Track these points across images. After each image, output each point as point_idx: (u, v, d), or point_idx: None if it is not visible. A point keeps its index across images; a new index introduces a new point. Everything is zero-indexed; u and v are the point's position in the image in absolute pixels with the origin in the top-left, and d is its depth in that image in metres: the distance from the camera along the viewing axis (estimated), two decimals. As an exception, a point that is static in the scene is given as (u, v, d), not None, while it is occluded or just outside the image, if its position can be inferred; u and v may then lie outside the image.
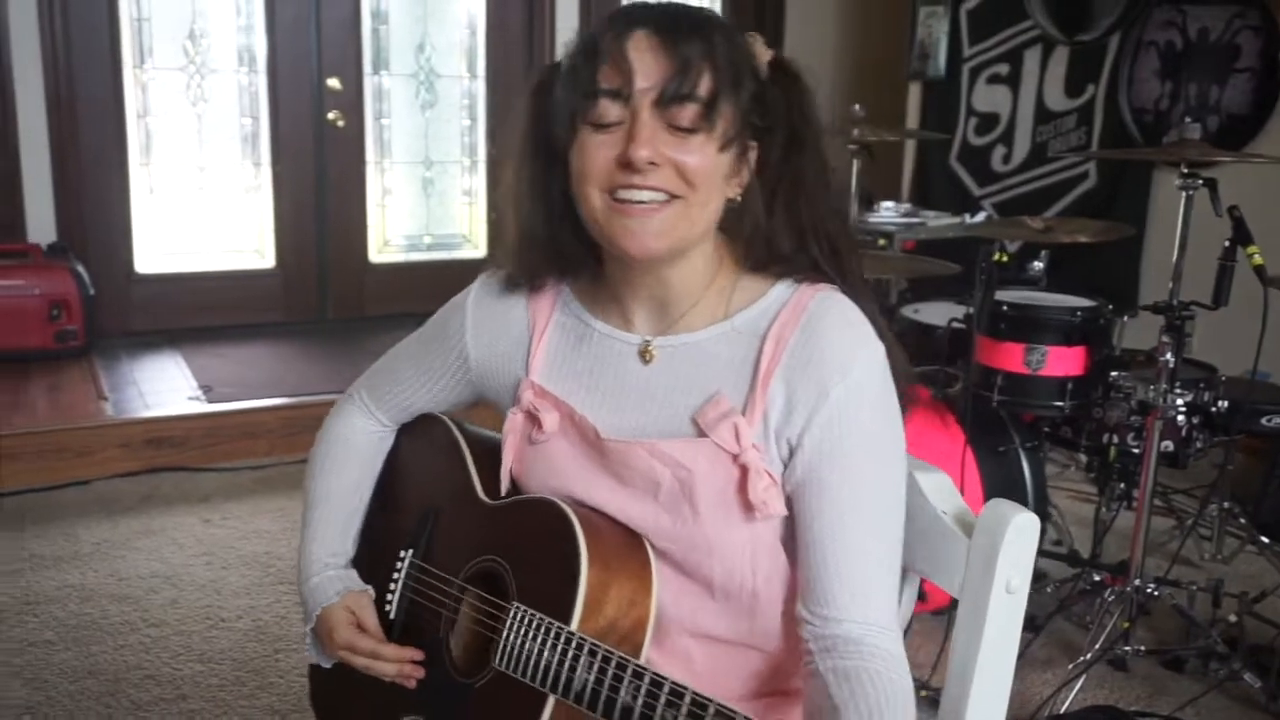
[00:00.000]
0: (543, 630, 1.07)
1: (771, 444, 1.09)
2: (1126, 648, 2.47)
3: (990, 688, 1.09)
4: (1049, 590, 2.79)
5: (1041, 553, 2.83)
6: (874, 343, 1.10)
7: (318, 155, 4.67)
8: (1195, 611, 2.61)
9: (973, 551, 1.08)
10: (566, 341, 1.21)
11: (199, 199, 4.56)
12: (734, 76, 1.07)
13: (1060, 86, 4.31)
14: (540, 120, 1.13)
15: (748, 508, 1.09)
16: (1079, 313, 2.45)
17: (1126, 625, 2.47)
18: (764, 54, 1.12)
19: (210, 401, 3.74)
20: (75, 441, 3.44)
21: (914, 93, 4.86)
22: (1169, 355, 2.36)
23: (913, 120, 4.84)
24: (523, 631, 1.10)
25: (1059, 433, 2.71)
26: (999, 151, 4.53)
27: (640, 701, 0.99)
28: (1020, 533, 1.05)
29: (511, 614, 1.12)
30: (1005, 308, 2.46)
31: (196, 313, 4.56)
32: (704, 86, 1.04)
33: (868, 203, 3.95)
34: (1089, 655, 2.42)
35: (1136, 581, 2.50)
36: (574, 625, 1.06)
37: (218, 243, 4.63)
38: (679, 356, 1.14)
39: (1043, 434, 2.74)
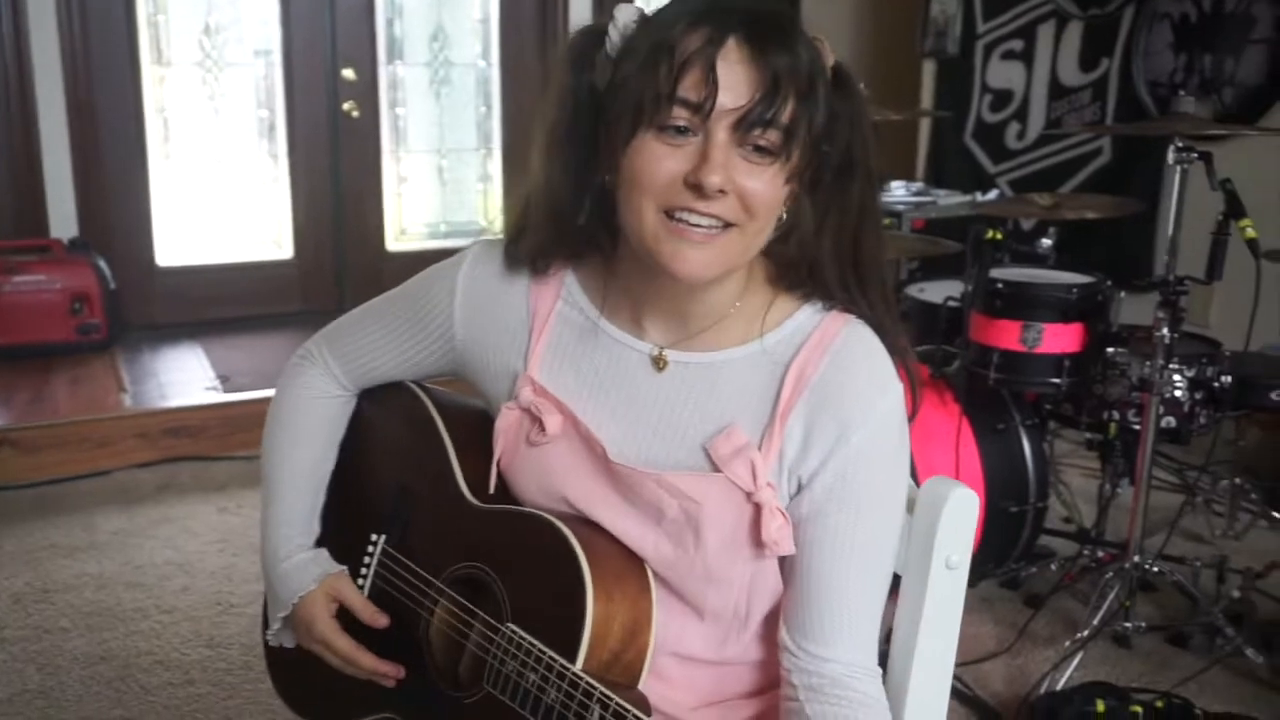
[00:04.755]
0: (543, 666, 1.02)
1: (784, 479, 1.06)
2: (1128, 624, 2.47)
3: (933, 663, 1.09)
4: (1053, 568, 2.78)
5: (1048, 530, 2.83)
6: (896, 385, 1.06)
7: (333, 146, 4.70)
8: (1200, 588, 2.59)
9: (913, 528, 1.08)
10: (571, 337, 1.13)
11: (218, 192, 4.61)
12: (812, 98, 0.98)
13: (1075, 61, 4.25)
14: (583, 96, 1.04)
15: (758, 545, 1.05)
16: (1075, 289, 2.44)
17: (1126, 603, 2.46)
18: (830, 59, 1.03)
19: (227, 391, 3.80)
20: (95, 433, 3.50)
21: (928, 71, 4.81)
22: (1165, 331, 2.34)
23: (927, 99, 4.79)
24: (519, 658, 1.04)
25: (1060, 410, 2.69)
26: (1013, 128, 4.49)
27: None
28: (958, 508, 1.06)
29: (505, 636, 1.07)
30: (1000, 285, 2.45)
31: (217, 304, 4.61)
32: (787, 111, 0.96)
33: (877, 182, 3.93)
34: (1086, 632, 2.41)
35: (1136, 558, 2.48)
36: (579, 664, 1.01)
37: (237, 235, 4.69)
38: (695, 374, 1.08)
39: (1044, 412, 2.72)
